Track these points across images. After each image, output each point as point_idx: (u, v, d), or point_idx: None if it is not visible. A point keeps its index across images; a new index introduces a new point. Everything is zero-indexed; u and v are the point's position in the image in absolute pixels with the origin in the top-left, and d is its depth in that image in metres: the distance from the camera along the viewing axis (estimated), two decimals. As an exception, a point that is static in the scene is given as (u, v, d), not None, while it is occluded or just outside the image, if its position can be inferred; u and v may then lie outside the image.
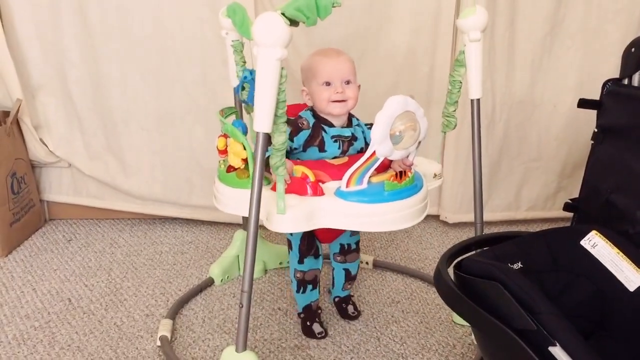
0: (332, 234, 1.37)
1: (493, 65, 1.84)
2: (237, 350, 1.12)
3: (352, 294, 1.51)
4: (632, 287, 1.06)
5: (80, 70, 1.86)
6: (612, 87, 1.32)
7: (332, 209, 1.12)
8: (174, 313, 1.47)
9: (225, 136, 1.27)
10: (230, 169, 1.25)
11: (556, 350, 0.88)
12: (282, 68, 1.03)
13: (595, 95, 1.36)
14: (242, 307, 1.11)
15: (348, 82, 1.24)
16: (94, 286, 1.62)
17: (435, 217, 2.05)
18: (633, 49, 1.30)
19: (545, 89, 1.90)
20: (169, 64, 1.85)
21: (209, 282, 1.62)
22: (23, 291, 1.59)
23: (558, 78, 1.88)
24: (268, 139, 1.06)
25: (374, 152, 1.09)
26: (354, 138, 1.27)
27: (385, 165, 1.18)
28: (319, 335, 1.38)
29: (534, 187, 2.00)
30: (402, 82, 1.87)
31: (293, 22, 1.05)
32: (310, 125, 1.25)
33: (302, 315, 1.41)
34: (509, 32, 1.83)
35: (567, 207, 1.41)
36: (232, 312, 1.49)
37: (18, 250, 1.83)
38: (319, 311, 1.43)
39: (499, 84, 1.88)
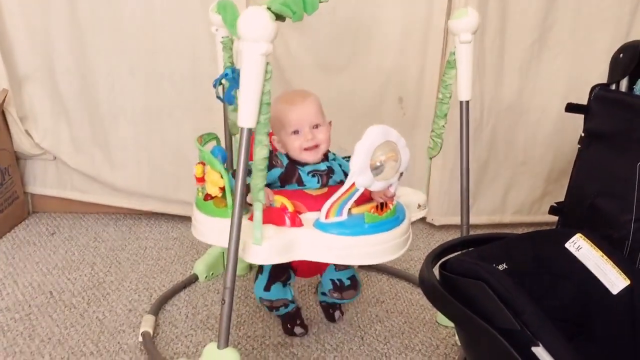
0: (310, 268, 1.32)
1: (482, 71, 1.85)
2: (219, 347, 1.11)
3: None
4: (615, 291, 1.07)
5: (68, 62, 1.84)
6: (599, 92, 1.34)
7: (310, 241, 1.10)
8: (157, 309, 1.45)
9: (203, 164, 1.23)
10: (207, 197, 1.22)
11: (539, 351, 0.88)
12: (267, 63, 1.02)
13: (583, 102, 1.37)
14: (224, 303, 1.10)
15: (317, 126, 1.21)
16: (76, 280, 1.60)
17: (422, 219, 2.04)
18: (621, 55, 1.32)
19: (533, 95, 1.91)
20: (158, 59, 1.84)
21: (193, 279, 1.61)
22: (4, 283, 1.57)
23: (546, 84, 1.90)
24: (251, 134, 1.05)
25: (354, 183, 1.08)
26: (331, 171, 1.23)
27: (366, 197, 1.16)
28: (300, 335, 1.37)
29: (521, 191, 2.01)
30: (392, 83, 1.88)
31: (279, 17, 1.04)
32: (284, 164, 1.22)
33: (280, 319, 1.39)
34: (498, 37, 1.84)
35: (552, 210, 1.42)
36: (216, 308, 1.48)
37: (0, 242, 1.81)
38: (299, 311, 1.40)
39: (487, 88, 1.88)
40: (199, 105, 1.86)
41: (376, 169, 1.07)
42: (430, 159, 1.41)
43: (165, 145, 1.92)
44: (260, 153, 1.05)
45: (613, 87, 1.34)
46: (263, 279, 1.30)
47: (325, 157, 1.24)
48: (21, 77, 1.87)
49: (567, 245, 1.14)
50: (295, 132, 1.20)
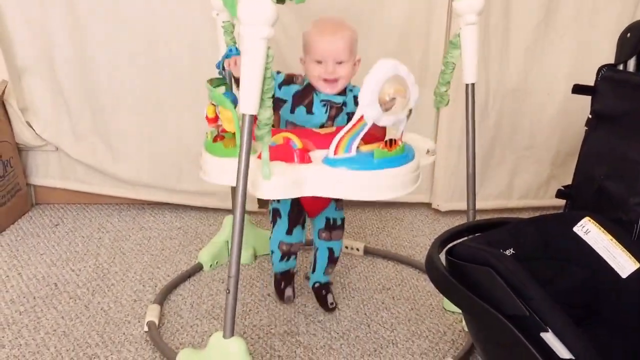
0: (318, 205, 1.35)
1: (487, 54, 1.83)
2: (224, 336, 1.10)
3: (331, 281, 1.48)
4: (624, 274, 1.06)
5: (67, 52, 1.82)
6: (607, 73, 1.31)
7: (320, 177, 1.10)
8: (162, 299, 1.45)
9: (214, 105, 1.23)
10: (216, 138, 1.23)
11: (548, 336, 0.87)
12: (269, 48, 1.01)
13: (590, 83, 1.35)
14: (228, 292, 1.09)
15: (341, 62, 1.22)
16: (80, 271, 1.59)
17: (427, 205, 2.03)
18: (628, 34, 1.29)
19: (538, 78, 1.89)
20: (158, 48, 1.82)
21: (198, 268, 1.60)
22: (8, 275, 1.56)
23: (552, 66, 1.87)
24: (254, 121, 1.04)
25: (362, 116, 1.07)
26: (344, 105, 1.25)
27: (375, 137, 1.16)
28: (287, 300, 1.41)
29: (526, 175, 1.99)
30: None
31: (280, 0, 1.02)
32: (304, 83, 1.24)
33: (277, 276, 1.43)
34: (503, 20, 1.82)
35: (559, 194, 1.40)
36: (221, 298, 1.47)
37: (4, 235, 1.80)
38: (295, 274, 1.46)
39: (492, 72, 1.86)
40: (200, 94, 1.82)
41: (385, 103, 1.07)
42: (438, 109, 1.38)
43: (166, 134, 1.91)
44: (265, 113, 1.05)
45: (621, 67, 1.31)
46: (283, 224, 1.34)
47: (344, 90, 1.25)
48: (20, 68, 1.86)
49: (575, 229, 1.13)
50: (319, 61, 1.20)
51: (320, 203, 1.33)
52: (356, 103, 1.23)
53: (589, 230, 1.11)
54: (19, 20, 1.79)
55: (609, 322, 1.07)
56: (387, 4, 1.79)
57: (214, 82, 1.34)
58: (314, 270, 1.45)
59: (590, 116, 1.34)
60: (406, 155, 1.16)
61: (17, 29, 1.81)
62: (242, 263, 1.63)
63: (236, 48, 1.36)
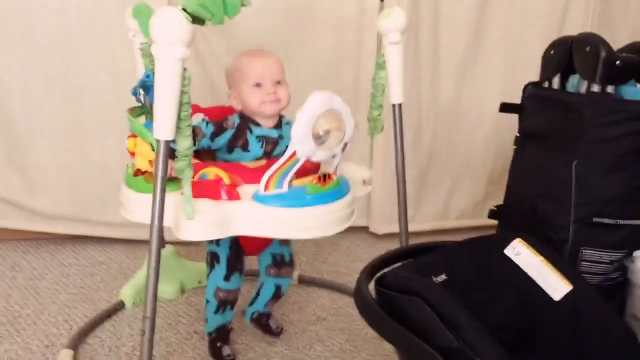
0: (257, 244, 1.27)
1: (418, 73, 1.82)
2: (140, 383, 1.01)
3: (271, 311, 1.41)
4: (557, 297, 1.03)
5: (-25, 77, 1.69)
6: (532, 90, 1.31)
7: (249, 215, 1.03)
8: (77, 343, 1.33)
9: (135, 136, 1.15)
10: (137, 172, 1.14)
11: (480, 369, 0.82)
12: (185, 69, 0.94)
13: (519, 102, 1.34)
14: (143, 334, 1.00)
15: (279, 83, 1.17)
16: (-12, 316, 1.45)
17: (364, 229, 1.98)
18: (552, 51, 1.29)
19: (471, 96, 1.89)
20: (77, 71, 1.72)
21: (120, 306, 1.49)
22: None
23: (483, 85, 1.88)
24: (170, 147, 0.97)
25: (294, 152, 1.02)
26: (280, 138, 1.19)
27: (307, 170, 1.10)
28: (227, 358, 1.27)
29: (463, 195, 1.98)
30: (327, 84, 1.80)
31: (197, 20, 0.96)
32: (235, 125, 1.17)
33: (212, 335, 1.30)
34: (432, 38, 1.81)
35: (491, 214, 1.38)
36: (143, 338, 1.36)
37: None
38: (231, 331, 1.33)
39: (424, 91, 1.85)
40: (123, 120, 1.73)
41: (319, 138, 1.01)
42: (372, 136, 1.33)
43: (88, 163, 1.79)
44: (184, 143, 0.98)
45: (546, 84, 1.30)
46: (221, 269, 1.23)
47: (279, 122, 1.19)
48: None
49: (506, 251, 1.09)
50: (257, 84, 1.15)
51: (260, 242, 1.26)
52: None
53: (520, 252, 1.08)
54: None
55: (543, 346, 1.03)
56: (316, 26, 1.76)
57: (136, 112, 1.26)
58: (252, 303, 1.37)
59: (517, 135, 1.33)
60: (341, 190, 1.10)
61: None
62: (167, 299, 1.53)
63: (153, 72, 1.28)
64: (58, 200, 1.82)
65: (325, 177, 1.08)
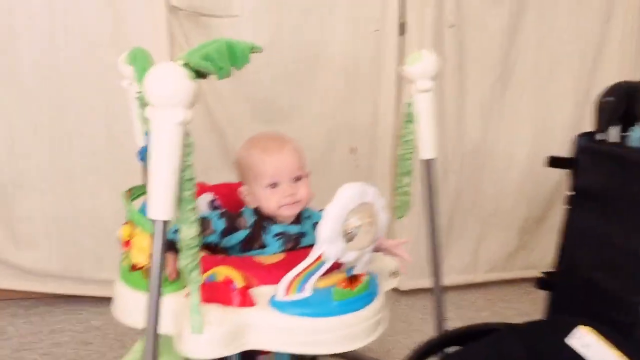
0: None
1: (442, 113, 1.66)
2: None
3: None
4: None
5: (-45, 125, 1.54)
6: (586, 143, 1.14)
7: (266, 325, 0.87)
8: None
9: (132, 224, 0.98)
10: (135, 266, 0.97)
11: None
12: (187, 135, 0.78)
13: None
14: None
15: (298, 178, 1.01)
16: (-37, 400, 1.28)
17: (386, 284, 1.81)
18: (608, 98, 1.12)
19: (498, 138, 1.74)
20: (67, 115, 1.56)
21: (114, 386, 1.31)
22: None
23: (511, 126, 1.74)
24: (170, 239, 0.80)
25: (321, 254, 0.86)
26: (301, 235, 1.03)
27: (334, 266, 0.93)
28: None
29: (492, 245, 1.81)
30: (341, 131, 1.67)
31: (200, 74, 0.80)
32: (248, 225, 1.01)
33: None
34: (457, 75, 1.66)
35: (541, 284, 1.21)
36: None
37: None
38: None
39: (449, 131, 1.69)
40: (117, 167, 1.58)
41: (349, 236, 0.86)
42: (398, 217, 1.17)
43: (79, 215, 1.63)
44: (188, 232, 0.81)
45: (601, 136, 1.14)
46: None
47: (299, 216, 1.04)
48: None
49: (569, 341, 0.92)
50: (272, 185, 0.99)
51: None
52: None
53: (589, 344, 0.90)
54: None
55: None
56: (327, 62, 1.61)
57: (134, 192, 1.09)
58: None
59: (570, 193, 1.16)
60: (370, 293, 0.93)
61: None
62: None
63: None
64: (47, 255, 1.65)
65: (353, 279, 0.91)
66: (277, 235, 1.01)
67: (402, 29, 1.61)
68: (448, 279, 1.75)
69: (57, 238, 1.65)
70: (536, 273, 1.73)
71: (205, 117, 1.59)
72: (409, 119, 1.08)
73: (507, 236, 1.81)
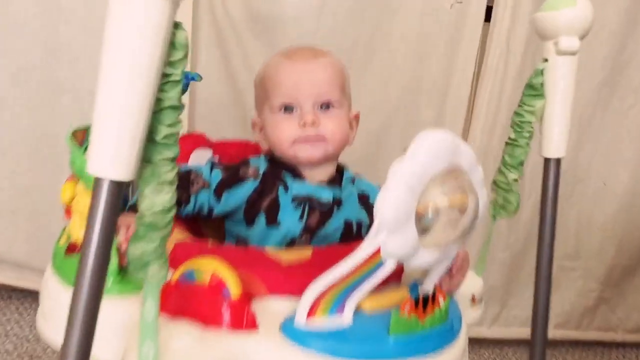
0: None
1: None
2: None
3: None
4: None
5: None
6: None
7: None
8: None
9: (75, 179, 0.65)
10: (73, 247, 0.62)
11: None
12: (178, 25, 0.42)
13: None
14: None
15: (327, 106, 0.71)
16: None
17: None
18: None
19: (593, 158, 1.41)
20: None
21: None
22: None
23: (612, 144, 1.40)
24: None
25: (379, 248, 0.49)
26: (337, 203, 0.71)
27: (391, 276, 0.55)
28: None
29: (568, 295, 1.49)
30: (395, 125, 1.32)
31: None
32: (260, 174, 0.72)
33: None
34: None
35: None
36: None
37: None
38: None
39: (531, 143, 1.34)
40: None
41: (425, 224, 0.50)
42: (494, 218, 0.81)
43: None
44: (156, 200, 0.44)
45: None
46: None
47: (339, 174, 0.76)
48: None
49: None
50: (286, 108, 0.72)
51: None
52: (367, 210, 0.73)
53: None
54: None
55: None
56: (391, 38, 1.28)
57: (88, 134, 0.74)
58: None
59: None
60: (451, 327, 0.56)
61: None
62: None
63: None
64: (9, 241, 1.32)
65: (425, 302, 0.53)
66: (297, 199, 0.69)
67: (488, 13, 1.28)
68: (507, 331, 1.48)
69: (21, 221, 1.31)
70: (616, 337, 1.43)
71: (229, 90, 1.26)
72: (537, 91, 0.73)
73: (586, 286, 1.49)
